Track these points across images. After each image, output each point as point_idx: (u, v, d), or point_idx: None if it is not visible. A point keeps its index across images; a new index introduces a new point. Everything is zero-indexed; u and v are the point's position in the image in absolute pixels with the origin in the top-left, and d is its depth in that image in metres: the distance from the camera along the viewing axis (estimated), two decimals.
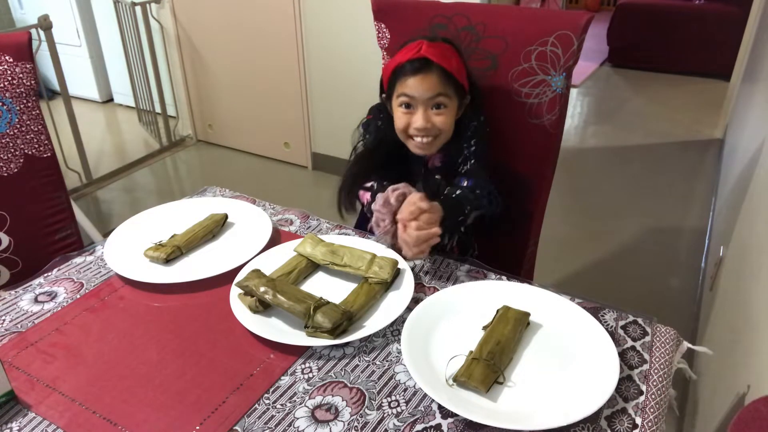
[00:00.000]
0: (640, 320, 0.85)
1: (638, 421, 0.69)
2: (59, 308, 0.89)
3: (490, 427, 0.67)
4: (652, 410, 0.70)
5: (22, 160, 1.25)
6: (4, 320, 0.87)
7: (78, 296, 0.92)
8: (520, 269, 1.33)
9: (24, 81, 1.23)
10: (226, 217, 1.09)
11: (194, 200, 1.18)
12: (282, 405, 0.71)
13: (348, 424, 0.69)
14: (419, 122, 1.07)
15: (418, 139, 1.10)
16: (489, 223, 1.22)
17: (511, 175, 1.25)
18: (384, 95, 1.15)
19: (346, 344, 0.81)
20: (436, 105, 1.07)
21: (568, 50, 1.13)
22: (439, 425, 0.69)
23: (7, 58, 1.21)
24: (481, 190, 1.10)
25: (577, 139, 3.43)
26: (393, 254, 0.97)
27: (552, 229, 1.61)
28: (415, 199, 0.95)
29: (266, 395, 0.73)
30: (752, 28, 3.24)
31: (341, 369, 0.77)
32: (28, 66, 1.23)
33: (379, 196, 1.02)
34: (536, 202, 1.27)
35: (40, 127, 1.27)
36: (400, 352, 0.79)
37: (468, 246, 1.25)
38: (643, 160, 3.12)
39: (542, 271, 1.48)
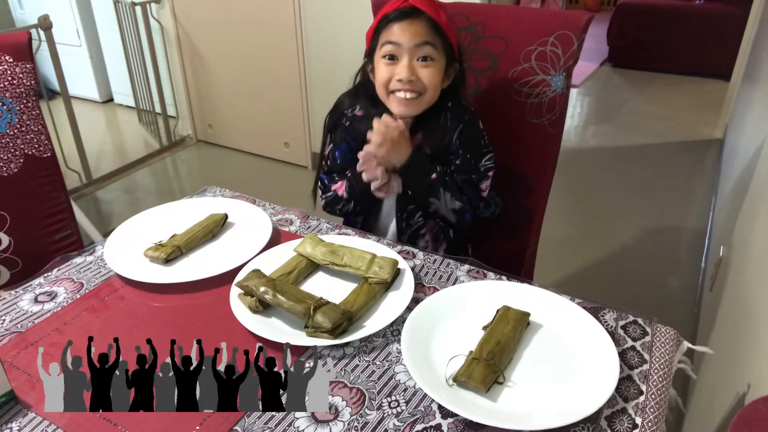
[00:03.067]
0: (640, 320, 0.85)
1: (638, 421, 0.69)
2: (59, 308, 0.89)
3: (490, 427, 0.67)
4: (652, 410, 0.70)
5: (22, 160, 1.25)
6: (4, 320, 0.87)
7: (78, 296, 0.92)
8: (520, 269, 1.33)
9: (24, 81, 1.23)
10: (226, 217, 1.09)
11: (194, 200, 1.18)
12: None
13: (348, 424, 0.69)
14: (403, 73, 1.00)
15: (401, 94, 1.03)
16: (488, 223, 1.22)
17: (511, 175, 1.25)
18: (366, 59, 1.09)
19: (346, 344, 0.81)
20: (423, 57, 1.01)
21: (568, 50, 1.13)
22: (439, 425, 0.69)
23: (7, 58, 1.21)
24: (467, 195, 1.11)
25: (577, 139, 3.44)
26: (393, 254, 0.97)
27: (552, 229, 1.61)
28: (386, 119, 1.02)
29: None
30: (752, 28, 3.24)
31: (341, 369, 0.77)
32: (28, 66, 1.23)
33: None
34: (536, 202, 1.27)
35: (40, 127, 1.27)
36: (400, 352, 0.79)
37: (460, 248, 1.24)
38: (643, 160, 3.13)
39: (542, 271, 1.48)
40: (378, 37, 1.03)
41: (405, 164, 1.06)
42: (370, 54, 1.08)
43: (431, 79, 1.02)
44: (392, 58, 1.02)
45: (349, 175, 1.14)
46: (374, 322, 0.83)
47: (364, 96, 1.13)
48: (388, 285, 0.90)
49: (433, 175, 1.08)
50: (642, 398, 0.72)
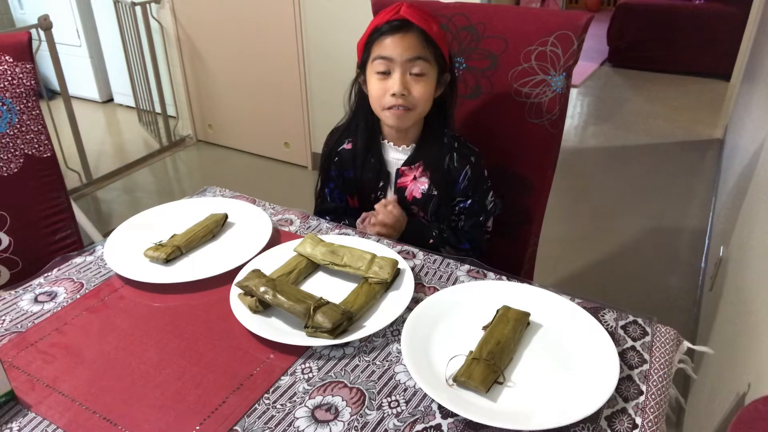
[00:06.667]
0: (640, 320, 0.85)
1: (638, 421, 0.69)
2: (59, 308, 0.89)
3: (490, 427, 0.67)
4: (652, 410, 0.70)
5: (22, 160, 1.25)
6: (4, 320, 0.87)
7: (78, 296, 0.92)
8: (520, 269, 1.33)
9: (24, 81, 1.23)
10: (226, 217, 1.09)
11: (194, 200, 1.18)
12: (282, 405, 0.71)
13: (348, 424, 0.69)
14: (396, 86, 1.00)
15: (393, 109, 1.04)
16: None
17: (511, 175, 1.25)
18: (359, 71, 1.10)
19: (346, 344, 0.81)
20: (415, 72, 1.01)
21: (568, 50, 1.13)
22: (439, 425, 0.69)
23: (7, 58, 1.21)
24: (471, 240, 1.15)
25: (577, 139, 3.44)
26: (393, 254, 0.97)
27: (552, 229, 1.61)
28: (385, 204, 1.09)
29: (266, 395, 0.73)
30: (752, 28, 3.24)
31: (341, 369, 0.77)
32: (28, 66, 1.23)
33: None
34: (536, 202, 1.27)
35: (40, 127, 1.27)
36: (400, 352, 0.79)
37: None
38: (643, 160, 3.13)
39: (542, 271, 1.48)
40: (370, 51, 1.04)
41: (402, 234, 1.12)
42: (362, 66, 1.08)
43: (423, 94, 1.03)
44: (385, 72, 1.02)
45: (346, 222, 1.18)
46: (374, 322, 0.83)
47: (361, 116, 1.14)
48: (388, 285, 0.90)
49: (431, 241, 1.11)
50: (642, 398, 0.72)
